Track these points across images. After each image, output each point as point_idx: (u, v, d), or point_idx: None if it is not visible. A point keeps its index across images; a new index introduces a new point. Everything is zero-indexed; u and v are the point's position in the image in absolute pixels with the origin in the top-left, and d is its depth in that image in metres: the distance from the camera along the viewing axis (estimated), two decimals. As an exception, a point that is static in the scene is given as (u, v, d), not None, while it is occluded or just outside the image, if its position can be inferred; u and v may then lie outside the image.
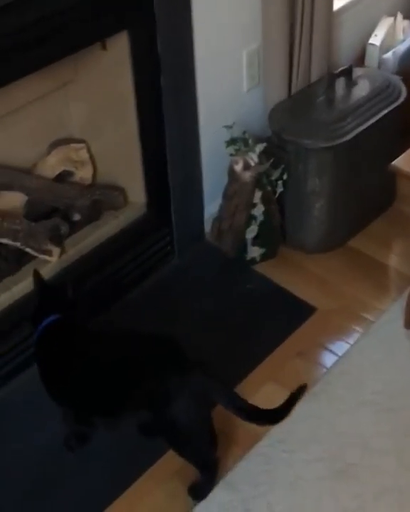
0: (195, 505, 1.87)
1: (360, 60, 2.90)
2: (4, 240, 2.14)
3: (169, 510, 1.87)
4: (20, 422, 2.10)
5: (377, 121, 2.45)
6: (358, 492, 1.87)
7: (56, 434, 2.02)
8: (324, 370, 2.20)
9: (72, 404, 1.91)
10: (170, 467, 1.95)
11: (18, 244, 2.15)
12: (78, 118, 2.43)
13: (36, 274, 1.98)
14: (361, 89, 2.55)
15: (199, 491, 1.89)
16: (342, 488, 1.88)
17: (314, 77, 2.61)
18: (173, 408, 1.71)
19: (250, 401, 2.02)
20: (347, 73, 2.56)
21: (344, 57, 2.83)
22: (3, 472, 1.97)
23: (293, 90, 2.58)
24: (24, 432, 2.07)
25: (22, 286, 2.15)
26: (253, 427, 1.97)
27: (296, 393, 1.80)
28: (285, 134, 2.41)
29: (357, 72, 2.61)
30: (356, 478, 1.90)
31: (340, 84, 2.55)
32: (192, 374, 1.73)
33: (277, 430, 2.02)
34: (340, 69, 2.55)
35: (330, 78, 2.54)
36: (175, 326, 2.25)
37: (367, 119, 2.44)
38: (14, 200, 2.26)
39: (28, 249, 2.17)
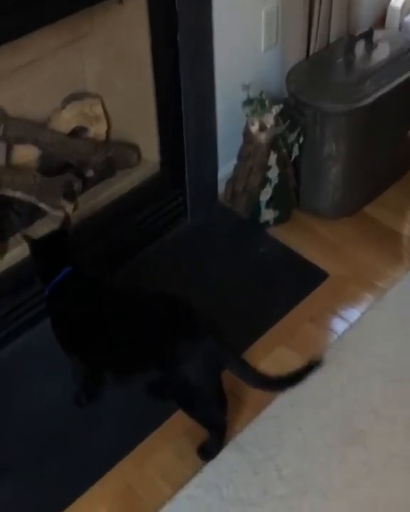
0: (203, 465, 1.87)
1: (380, 22, 2.84)
2: (17, 194, 2.11)
3: (177, 469, 1.87)
4: (32, 377, 2.10)
5: (397, 86, 2.40)
6: (366, 459, 1.87)
7: (67, 389, 2.02)
8: (336, 336, 2.19)
9: (84, 358, 1.90)
10: (179, 427, 1.94)
11: (31, 198, 2.12)
12: (93, 73, 2.39)
13: (27, 238, 1.92)
14: (381, 53, 2.49)
15: (208, 452, 1.89)
16: (350, 455, 1.88)
17: (333, 39, 2.55)
18: (183, 369, 1.70)
19: (261, 364, 2.04)
20: (367, 36, 2.51)
21: (364, 19, 2.76)
22: (14, 427, 1.98)
23: (311, 52, 2.53)
24: (36, 386, 2.07)
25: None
26: None
27: (309, 365, 1.77)
28: (302, 96, 2.37)
29: (377, 34, 2.54)
30: (364, 445, 1.90)
31: (360, 46, 2.50)
32: (204, 337, 1.71)
33: (287, 395, 1.99)
34: (360, 31, 2.50)
35: (350, 40, 2.49)
36: (185, 286, 2.23)
37: (387, 84, 2.39)
38: (28, 154, 2.23)
39: (41, 204, 2.14)
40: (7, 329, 2.14)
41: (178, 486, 1.83)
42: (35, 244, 1.90)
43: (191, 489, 1.82)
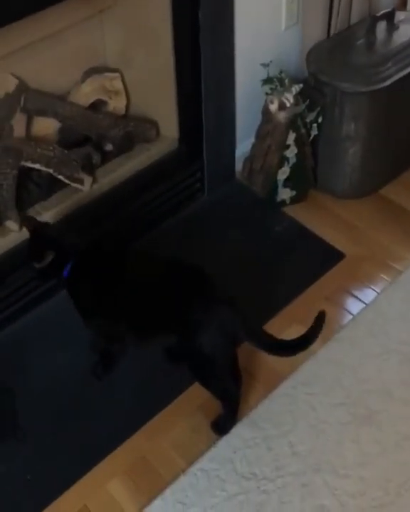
0: (217, 439, 1.87)
1: (402, 3, 2.80)
2: (37, 166, 2.11)
3: (191, 442, 1.88)
4: (47, 350, 2.11)
5: (418, 68, 2.39)
6: (379, 438, 1.87)
7: (82, 362, 2.04)
8: (351, 316, 2.18)
9: (105, 323, 1.90)
10: (194, 401, 1.95)
11: (50, 170, 2.12)
12: (113, 47, 2.38)
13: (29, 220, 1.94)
14: (403, 34, 2.47)
15: (222, 426, 1.89)
16: (363, 434, 1.88)
17: (354, 19, 2.53)
18: (199, 337, 1.72)
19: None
20: (389, 17, 2.49)
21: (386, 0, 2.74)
22: (29, 398, 1.99)
23: (332, 32, 2.51)
24: (50, 359, 2.08)
25: (53, 212, 2.13)
26: (277, 366, 1.99)
27: (318, 320, 1.79)
28: (322, 75, 2.35)
29: (399, 16, 2.53)
30: (377, 424, 1.90)
31: (381, 27, 2.48)
32: (219, 305, 1.73)
33: (301, 372, 2.02)
34: (382, 12, 2.48)
35: (371, 21, 2.47)
36: (201, 262, 2.16)
37: (407, 66, 2.36)
38: (48, 126, 2.23)
39: (60, 176, 2.14)
40: (25, 299, 2.15)
41: (191, 459, 1.84)
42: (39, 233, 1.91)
43: (204, 463, 1.82)
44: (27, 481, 1.82)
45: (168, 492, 1.77)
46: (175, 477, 1.80)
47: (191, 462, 1.83)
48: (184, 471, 1.82)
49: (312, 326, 1.77)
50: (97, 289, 1.85)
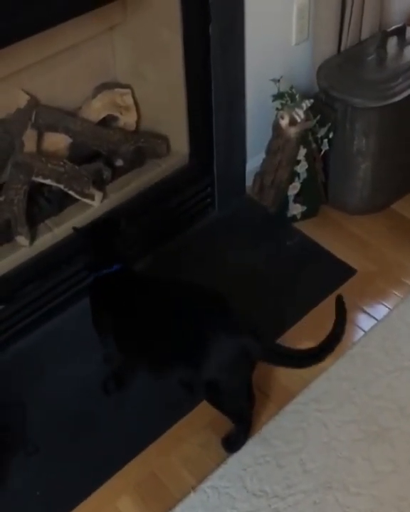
0: (228, 456, 1.86)
1: (413, 19, 2.82)
2: (48, 181, 2.12)
3: (201, 459, 1.86)
4: (62, 361, 2.11)
5: (428, 84, 2.39)
6: (392, 456, 1.85)
7: (95, 375, 2.03)
8: (362, 333, 2.16)
9: (120, 347, 1.88)
10: (204, 418, 1.94)
11: (61, 186, 2.12)
12: (124, 63, 2.40)
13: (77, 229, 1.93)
14: (414, 50, 2.48)
15: (233, 443, 1.88)
16: (375, 452, 1.86)
17: (365, 35, 2.53)
18: (213, 367, 1.70)
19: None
20: (400, 32, 2.49)
21: (397, 15, 2.74)
22: (42, 410, 1.99)
23: (343, 47, 2.50)
24: (65, 371, 2.08)
25: (64, 228, 2.13)
26: (288, 383, 1.98)
27: (339, 307, 1.81)
28: (333, 91, 2.35)
29: (410, 31, 2.54)
30: (390, 442, 1.88)
31: (392, 43, 2.48)
32: (239, 336, 1.71)
33: (312, 389, 2.00)
34: (393, 27, 2.48)
35: (382, 36, 2.47)
36: (212, 277, 2.23)
37: (419, 81, 2.37)
38: (58, 141, 2.24)
39: (70, 192, 2.14)
40: (37, 313, 2.15)
41: (201, 476, 1.82)
42: (88, 232, 1.92)
43: (215, 480, 1.81)
44: (36, 496, 1.81)
45: (178, 510, 1.75)
46: (185, 494, 1.79)
47: (200, 479, 1.81)
48: (194, 488, 1.80)
49: (335, 322, 1.79)
50: (113, 313, 1.85)
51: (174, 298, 1.80)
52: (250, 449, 1.87)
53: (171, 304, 1.78)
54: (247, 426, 1.88)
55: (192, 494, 1.78)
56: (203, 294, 1.80)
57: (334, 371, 2.05)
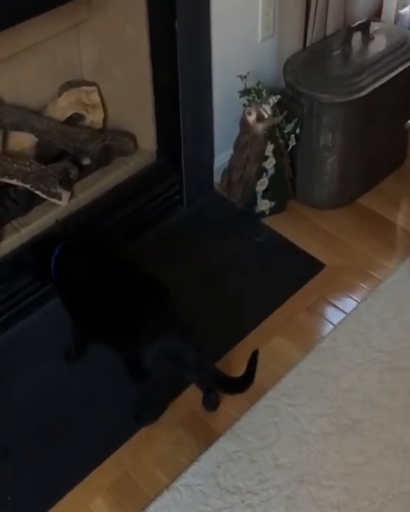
0: (200, 454, 1.86)
1: (377, 14, 2.84)
2: (14, 181, 2.10)
3: (174, 458, 1.87)
4: (31, 363, 2.11)
5: (393, 78, 2.40)
6: (362, 448, 1.87)
7: (65, 376, 2.05)
8: (332, 326, 2.18)
9: (74, 318, 1.99)
10: (175, 415, 1.95)
11: (27, 185, 2.11)
12: (90, 60, 2.38)
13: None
14: (378, 45, 2.49)
15: (207, 403, 1.96)
16: (346, 444, 1.88)
17: (330, 30, 2.55)
18: (140, 353, 1.79)
19: (259, 354, 2.02)
20: (365, 27, 2.51)
21: (361, 11, 2.76)
22: (13, 411, 1.99)
23: (308, 42, 2.52)
24: (34, 373, 2.08)
25: (31, 228, 2.12)
26: (259, 378, 1.95)
27: (252, 359, 1.85)
28: (299, 86, 2.36)
29: (374, 26, 2.55)
30: (361, 434, 1.90)
31: (357, 38, 2.50)
32: (166, 332, 1.79)
33: (283, 384, 2.02)
34: (357, 23, 2.50)
35: (347, 32, 2.49)
36: (180, 274, 2.24)
37: (383, 76, 2.38)
38: (24, 141, 2.22)
39: (37, 192, 2.13)
40: (4, 316, 2.13)
41: (174, 474, 1.82)
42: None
43: (188, 478, 1.81)
44: (7, 501, 1.79)
45: (151, 509, 1.75)
46: (158, 493, 1.79)
47: (174, 477, 1.82)
48: (167, 486, 1.80)
49: (248, 368, 1.84)
50: (70, 289, 1.95)
51: (120, 282, 1.90)
52: (223, 446, 1.88)
53: (116, 287, 1.89)
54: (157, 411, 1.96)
55: (165, 493, 1.79)
56: (149, 281, 1.91)
57: (305, 365, 2.06)
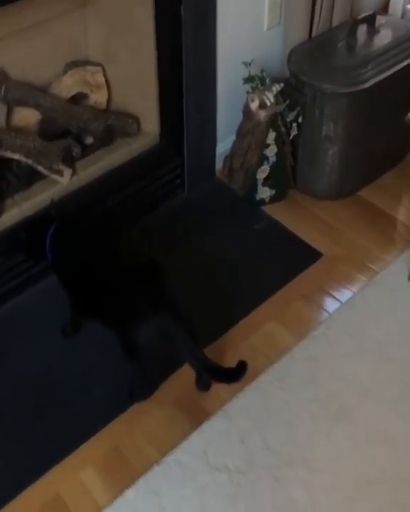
0: (191, 432, 1.87)
1: (384, 8, 2.85)
2: (17, 156, 2.11)
3: (165, 435, 1.88)
4: (27, 337, 2.12)
5: (397, 72, 2.40)
6: (351, 434, 1.88)
7: (60, 351, 2.07)
8: (327, 315, 2.19)
9: (70, 296, 1.99)
10: (169, 393, 1.96)
11: (29, 161, 2.12)
12: (96, 41, 2.39)
13: None
14: (383, 38, 2.50)
15: (199, 384, 1.96)
16: (336, 430, 1.89)
17: (336, 22, 2.56)
18: (133, 331, 1.81)
19: (251, 338, 2.08)
20: (370, 20, 2.51)
21: (368, 3, 2.77)
22: (6, 384, 2.00)
23: (314, 33, 2.54)
24: (30, 347, 2.09)
25: (31, 203, 2.13)
26: (253, 361, 1.97)
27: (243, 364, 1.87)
28: (303, 76, 2.37)
29: (380, 20, 2.55)
30: (350, 421, 1.91)
31: (362, 31, 2.50)
32: (159, 311, 1.81)
33: (276, 368, 2.03)
34: (363, 15, 2.51)
35: (352, 24, 2.49)
36: (178, 257, 2.25)
37: (387, 69, 2.39)
38: (28, 117, 2.23)
39: (39, 168, 2.14)
40: (2, 289, 2.14)
41: (165, 450, 1.84)
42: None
43: (178, 454, 1.83)
44: (-1, 467, 1.83)
45: (141, 482, 1.77)
46: (148, 467, 1.80)
47: (164, 453, 1.83)
48: (157, 461, 1.81)
49: (236, 368, 1.85)
50: (64, 266, 1.97)
51: (115, 261, 1.92)
52: (214, 425, 1.89)
53: (116, 267, 1.90)
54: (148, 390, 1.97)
55: (155, 467, 1.80)
56: (146, 261, 1.93)
57: (298, 351, 2.07)
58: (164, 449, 1.84)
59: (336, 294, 2.26)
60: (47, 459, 1.83)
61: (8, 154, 2.10)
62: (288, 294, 2.24)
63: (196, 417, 1.91)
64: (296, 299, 2.23)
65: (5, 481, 1.80)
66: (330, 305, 2.22)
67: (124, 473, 1.80)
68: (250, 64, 2.33)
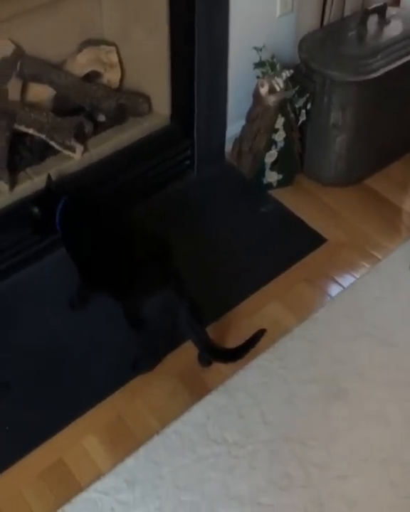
0: (192, 405, 1.92)
1: (396, 0, 2.86)
2: (30, 130, 2.14)
3: (167, 407, 1.93)
4: (35, 307, 2.17)
5: (406, 63, 2.42)
6: (348, 415, 1.92)
7: (67, 321, 2.11)
8: (328, 298, 2.22)
9: (80, 268, 2.03)
10: (173, 367, 2.01)
11: (42, 136, 2.15)
12: (110, 21, 2.42)
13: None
14: (394, 29, 2.51)
15: (201, 358, 2.00)
16: (333, 410, 1.93)
17: (347, 11, 2.58)
18: (139, 303, 1.86)
19: (252, 318, 2.11)
20: (381, 11, 2.53)
21: (380, -5, 2.79)
22: (15, 350, 2.05)
23: (325, 22, 2.55)
24: (38, 316, 2.14)
25: (43, 177, 2.13)
26: None
27: (254, 337, 1.90)
28: (312, 63, 2.39)
29: (391, 11, 2.57)
30: (347, 402, 1.95)
31: (373, 21, 2.52)
32: (165, 286, 1.85)
33: (277, 348, 2.06)
34: (374, 6, 2.52)
35: (363, 14, 2.51)
36: (184, 237, 2.27)
37: (397, 59, 2.41)
38: (42, 92, 2.26)
39: (52, 143, 2.17)
40: (13, 259, 2.18)
41: (166, 422, 1.88)
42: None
43: (178, 425, 1.87)
44: (4, 431, 1.85)
45: (141, 450, 1.81)
46: (149, 437, 1.84)
47: (165, 424, 1.87)
48: (158, 431, 1.86)
49: (246, 341, 1.89)
50: (74, 241, 2.00)
51: (127, 237, 1.96)
52: (214, 399, 1.93)
53: (124, 242, 1.95)
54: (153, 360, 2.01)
55: (156, 437, 1.84)
56: (152, 236, 1.97)
57: (299, 332, 2.11)
58: (165, 420, 1.88)
59: (338, 279, 2.28)
60: (51, 425, 1.87)
61: (23, 128, 2.14)
62: (291, 276, 2.28)
63: (198, 391, 1.95)
64: (299, 281, 2.26)
65: (10, 445, 1.84)
66: (332, 289, 2.25)
67: (125, 441, 1.84)
68: (261, 49, 2.35)
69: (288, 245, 2.38)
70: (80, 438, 1.85)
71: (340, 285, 2.26)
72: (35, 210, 2.02)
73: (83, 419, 1.89)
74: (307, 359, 2.05)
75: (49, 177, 2.08)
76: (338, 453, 1.83)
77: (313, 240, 2.40)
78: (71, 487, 1.76)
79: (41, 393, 1.95)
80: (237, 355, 1.91)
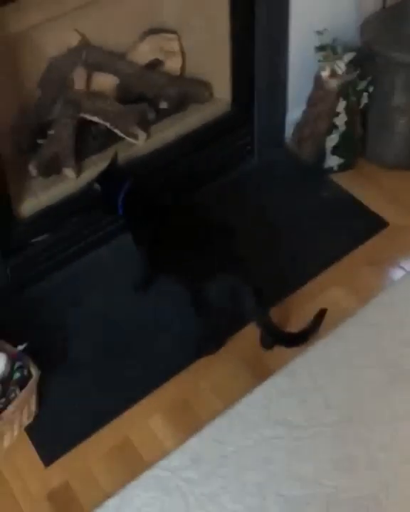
0: (255, 387, 1.93)
1: None
2: (95, 118, 2.19)
3: (230, 388, 1.96)
4: (101, 289, 2.23)
5: None
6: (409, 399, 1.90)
7: (135, 305, 2.16)
8: (391, 282, 2.21)
9: (146, 254, 2.08)
10: (236, 350, 2.04)
11: (107, 123, 2.19)
12: (172, 9, 2.44)
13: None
14: None
15: (264, 342, 2.03)
16: (396, 393, 1.92)
17: (411, -8, 2.55)
18: (207, 286, 1.89)
19: (314, 301, 2.10)
20: (446, -10, 2.50)
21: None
22: (86, 330, 2.12)
23: (388, 3, 2.52)
24: (107, 296, 2.21)
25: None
26: None
27: (316, 321, 1.94)
28: (375, 45, 2.37)
29: None
30: (409, 386, 1.93)
31: (438, 2, 2.49)
32: (232, 268, 1.89)
33: (339, 331, 2.06)
34: (440, -14, 2.49)
35: (429, -6, 2.48)
36: (246, 222, 2.29)
37: None
38: (106, 81, 2.30)
39: (116, 130, 2.21)
40: (80, 244, 2.24)
41: (229, 403, 1.90)
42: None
43: (242, 407, 1.89)
44: (73, 409, 1.92)
45: (205, 430, 1.84)
46: (212, 418, 1.87)
47: (228, 405, 1.90)
48: (220, 412, 1.88)
49: (309, 326, 1.93)
50: (143, 223, 2.05)
51: (192, 222, 2.01)
52: (276, 382, 1.94)
53: (190, 227, 1.98)
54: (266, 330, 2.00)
55: (219, 418, 1.87)
56: (218, 223, 2.00)
57: (361, 316, 2.10)
58: (228, 401, 1.91)
59: (401, 262, 2.27)
60: (118, 405, 1.93)
61: (88, 116, 2.19)
62: (353, 260, 2.27)
63: (260, 374, 1.97)
64: (361, 265, 2.26)
65: (79, 422, 1.90)
66: (394, 273, 2.24)
67: (189, 422, 1.88)
68: (322, 33, 2.34)
69: (350, 229, 2.38)
70: (146, 418, 1.90)
71: (403, 269, 2.25)
72: (96, 185, 2.06)
73: (148, 399, 1.94)
74: (370, 343, 2.04)
75: (116, 154, 2.12)
76: (403, 436, 1.82)
77: (375, 224, 2.38)
78: (137, 464, 1.81)
79: (107, 374, 2.00)
80: (300, 339, 1.94)
